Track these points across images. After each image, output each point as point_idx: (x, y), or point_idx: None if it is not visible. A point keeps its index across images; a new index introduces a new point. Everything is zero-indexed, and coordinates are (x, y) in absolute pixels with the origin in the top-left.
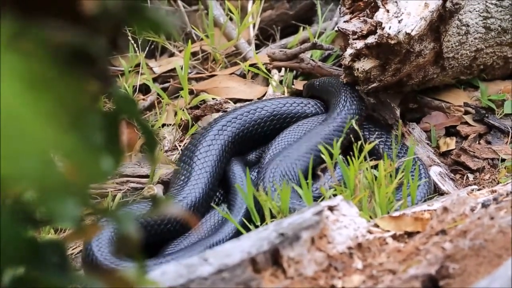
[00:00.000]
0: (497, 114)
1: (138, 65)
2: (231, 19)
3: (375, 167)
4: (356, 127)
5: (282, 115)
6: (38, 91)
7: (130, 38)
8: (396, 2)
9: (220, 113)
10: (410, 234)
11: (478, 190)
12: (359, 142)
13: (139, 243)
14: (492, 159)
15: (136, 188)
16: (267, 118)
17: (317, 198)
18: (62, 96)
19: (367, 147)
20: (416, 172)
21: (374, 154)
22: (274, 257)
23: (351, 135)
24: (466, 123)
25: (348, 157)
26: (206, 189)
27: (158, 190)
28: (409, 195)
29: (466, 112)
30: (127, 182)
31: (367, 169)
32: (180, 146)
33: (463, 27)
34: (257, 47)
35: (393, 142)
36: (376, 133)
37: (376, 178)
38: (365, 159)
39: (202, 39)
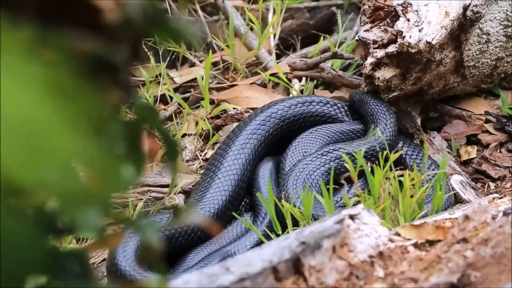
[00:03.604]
0: None
1: (159, 75)
2: (251, 29)
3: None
4: (387, 147)
5: (307, 114)
6: (60, 100)
7: (151, 48)
8: (416, 11)
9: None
10: (431, 243)
11: (500, 198)
12: (385, 152)
13: (162, 253)
14: None
15: (157, 197)
16: (294, 118)
17: (342, 207)
18: (83, 105)
19: (393, 157)
20: (444, 184)
21: (399, 163)
22: (296, 266)
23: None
24: (487, 131)
25: (374, 165)
26: (230, 196)
27: (179, 200)
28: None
29: (487, 121)
30: (148, 192)
31: (394, 178)
32: (201, 155)
33: (484, 36)
34: (278, 56)
35: (425, 155)
36: (401, 142)
37: (402, 188)
38: (391, 169)
39: (222, 49)
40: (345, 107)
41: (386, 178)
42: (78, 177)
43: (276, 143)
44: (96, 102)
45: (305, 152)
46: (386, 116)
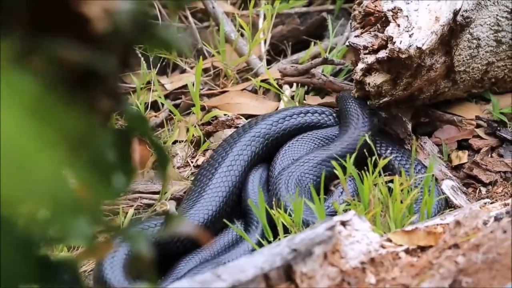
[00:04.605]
0: (509, 127)
1: (149, 82)
2: (242, 35)
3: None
4: (370, 142)
5: (302, 124)
6: (47, 111)
7: (141, 55)
8: (406, 16)
9: (232, 129)
10: (423, 248)
11: (491, 203)
12: (373, 157)
13: (152, 262)
14: (505, 172)
15: (148, 204)
16: (278, 135)
17: (333, 214)
18: (71, 116)
19: (382, 162)
20: (432, 188)
21: (388, 169)
22: (287, 273)
23: (364, 150)
24: (478, 136)
25: (362, 171)
26: (223, 204)
27: (171, 206)
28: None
29: (478, 126)
30: (139, 198)
31: (382, 183)
32: (192, 162)
33: (474, 41)
34: (268, 62)
35: (412, 158)
36: (390, 148)
37: (391, 193)
38: (380, 174)
39: (213, 56)
40: (330, 113)
41: (375, 185)
42: (68, 187)
43: (265, 158)
44: (84, 113)
45: (293, 159)
46: (359, 111)
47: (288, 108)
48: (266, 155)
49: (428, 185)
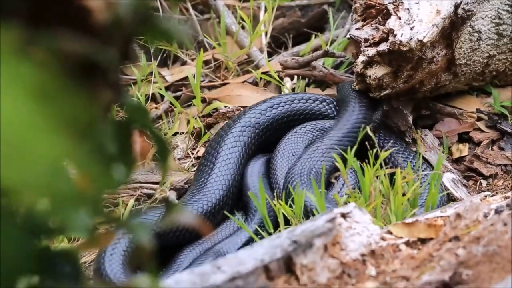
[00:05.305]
0: (510, 120)
1: (150, 73)
2: (243, 27)
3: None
4: (371, 133)
5: (299, 111)
6: (48, 102)
7: (142, 46)
8: (408, 9)
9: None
10: (423, 241)
11: (491, 196)
12: (375, 150)
13: (153, 253)
14: (505, 165)
15: (148, 194)
16: (290, 113)
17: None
18: (72, 107)
19: (383, 155)
20: (438, 183)
21: (387, 161)
22: (287, 265)
23: (366, 142)
24: (479, 129)
25: (364, 163)
26: (226, 192)
27: (171, 196)
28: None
29: (479, 119)
30: (139, 188)
31: (384, 175)
32: (192, 154)
33: (475, 34)
34: (269, 55)
35: (419, 153)
36: (391, 141)
37: (393, 186)
38: (381, 167)
39: (214, 48)
40: (317, 98)
41: (376, 177)
42: (68, 178)
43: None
44: (85, 103)
45: (294, 152)
46: (356, 100)
47: (275, 96)
48: (260, 144)
49: (435, 181)
